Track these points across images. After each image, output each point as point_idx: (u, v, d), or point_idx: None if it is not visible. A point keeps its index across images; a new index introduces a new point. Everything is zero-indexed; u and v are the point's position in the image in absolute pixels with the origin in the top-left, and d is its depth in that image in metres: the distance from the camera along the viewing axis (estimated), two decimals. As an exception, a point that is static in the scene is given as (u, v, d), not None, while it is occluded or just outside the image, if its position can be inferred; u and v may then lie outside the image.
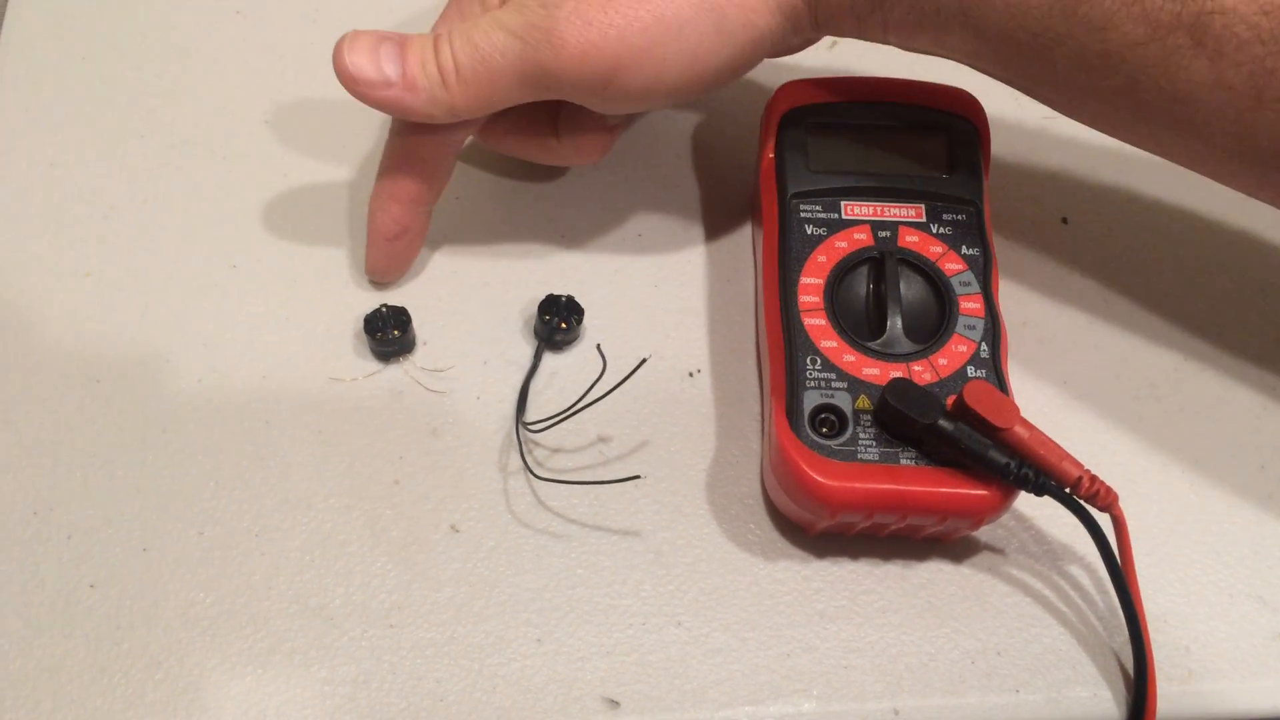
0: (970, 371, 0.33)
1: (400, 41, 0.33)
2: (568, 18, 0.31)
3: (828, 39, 0.45)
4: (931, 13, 0.32)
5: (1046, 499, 0.31)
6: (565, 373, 0.37)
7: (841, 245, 0.35)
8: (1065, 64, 0.31)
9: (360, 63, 0.32)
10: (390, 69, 0.32)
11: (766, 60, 0.44)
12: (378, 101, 0.33)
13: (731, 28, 0.32)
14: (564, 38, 0.31)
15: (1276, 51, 0.28)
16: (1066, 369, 0.38)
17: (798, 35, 0.34)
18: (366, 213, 0.37)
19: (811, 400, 0.32)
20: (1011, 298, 0.37)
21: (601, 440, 0.36)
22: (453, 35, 0.32)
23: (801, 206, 0.36)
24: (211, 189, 0.40)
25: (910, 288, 0.34)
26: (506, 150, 0.38)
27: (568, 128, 0.37)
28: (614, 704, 0.32)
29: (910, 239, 0.35)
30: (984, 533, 0.34)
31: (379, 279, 0.38)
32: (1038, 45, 0.31)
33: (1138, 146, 0.33)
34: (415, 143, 0.35)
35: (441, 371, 0.37)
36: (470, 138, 0.37)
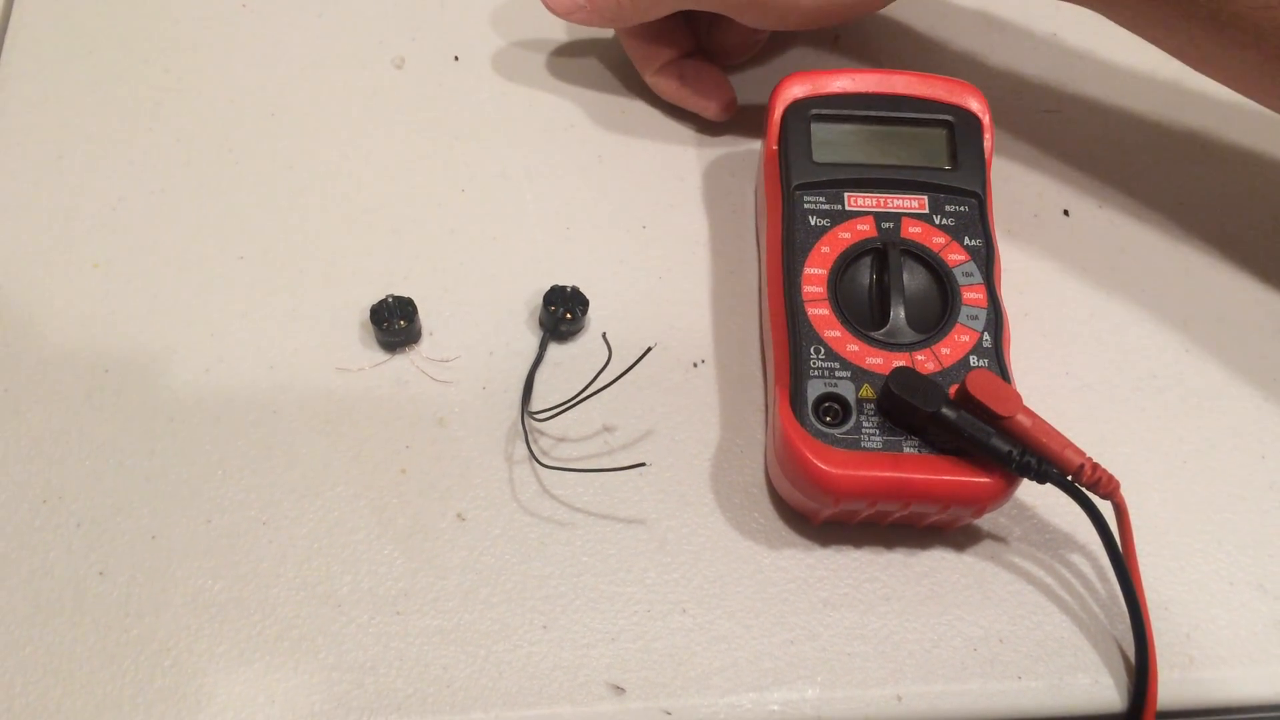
0: (973, 361, 0.33)
1: None
2: None
3: (829, 33, 0.45)
4: None
5: (1048, 487, 0.31)
6: (570, 363, 0.37)
7: (845, 236, 0.35)
8: (1200, 23, 0.34)
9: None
10: None
11: (770, 54, 0.45)
12: (580, 21, 0.40)
13: None
14: None
15: None
16: (1068, 359, 0.38)
17: None
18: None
19: (815, 389, 0.33)
20: (1013, 288, 0.38)
21: (606, 430, 0.36)
22: None
23: (805, 198, 0.36)
24: (218, 181, 0.41)
25: (913, 278, 0.35)
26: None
27: (718, 29, 0.42)
28: (619, 690, 0.32)
29: (913, 230, 0.35)
30: (986, 521, 0.35)
31: (718, 118, 0.42)
32: (1174, 4, 0.34)
33: (1265, 104, 0.36)
34: (630, 31, 0.41)
35: (447, 361, 0.37)
36: None
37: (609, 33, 0.45)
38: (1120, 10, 0.36)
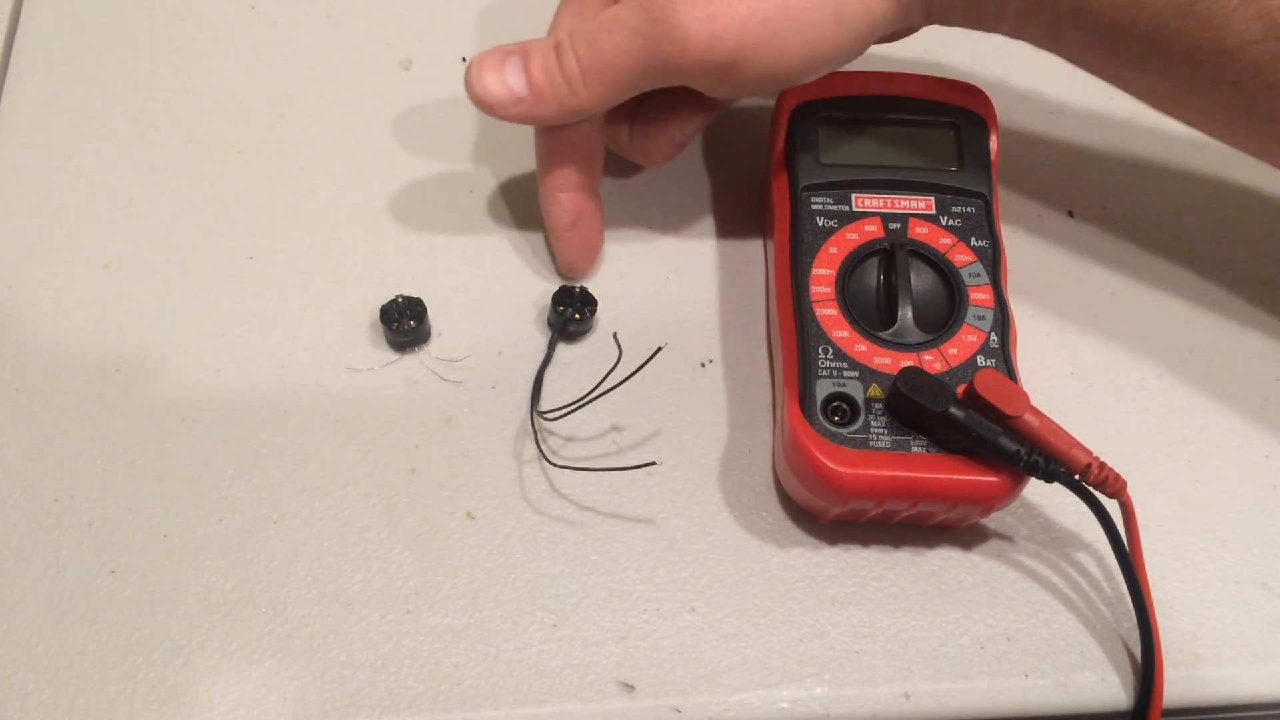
0: (980, 361, 0.33)
1: (523, 53, 0.34)
2: (690, 10, 0.31)
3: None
4: (1048, 5, 0.32)
5: (1054, 487, 0.32)
6: (578, 363, 0.37)
7: (852, 237, 0.35)
8: (1178, 60, 0.32)
9: (489, 85, 0.34)
10: (517, 84, 0.34)
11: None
12: (512, 117, 0.34)
13: (850, 16, 0.32)
14: (686, 31, 0.31)
15: None
16: (1073, 359, 0.38)
17: (905, 23, 0.35)
18: (539, 206, 0.38)
19: (824, 389, 0.33)
20: (1019, 289, 0.38)
21: (615, 429, 0.36)
22: (574, 39, 0.33)
23: (813, 199, 0.36)
24: (228, 182, 0.41)
25: (920, 279, 0.35)
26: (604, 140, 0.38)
27: (640, 131, 0.37)
28: (629, 688, 0.32)
29: (920, 231, 0.35)
30: (993, 520, 0.35)
31: (572, 273, 0.39)
32: (1152, 40, 0.31)
33: (1232, 144, 0.34)
34: (559, 137, 0.36)
35: (457, 361, 0.37)
36: None
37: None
38: (1081, 51, 0.34)
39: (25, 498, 0.34)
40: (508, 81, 0.34)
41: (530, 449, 0.36)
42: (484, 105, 0.34)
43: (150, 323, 0.37)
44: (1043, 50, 0.35)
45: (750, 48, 0.31)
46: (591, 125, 0.36)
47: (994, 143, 0.37)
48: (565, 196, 0.37)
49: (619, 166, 0.42)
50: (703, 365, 0.38)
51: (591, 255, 0.38)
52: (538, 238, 0.40)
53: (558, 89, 0.33)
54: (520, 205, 0.41)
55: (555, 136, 0.36)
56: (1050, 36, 0.34)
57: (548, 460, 0.35)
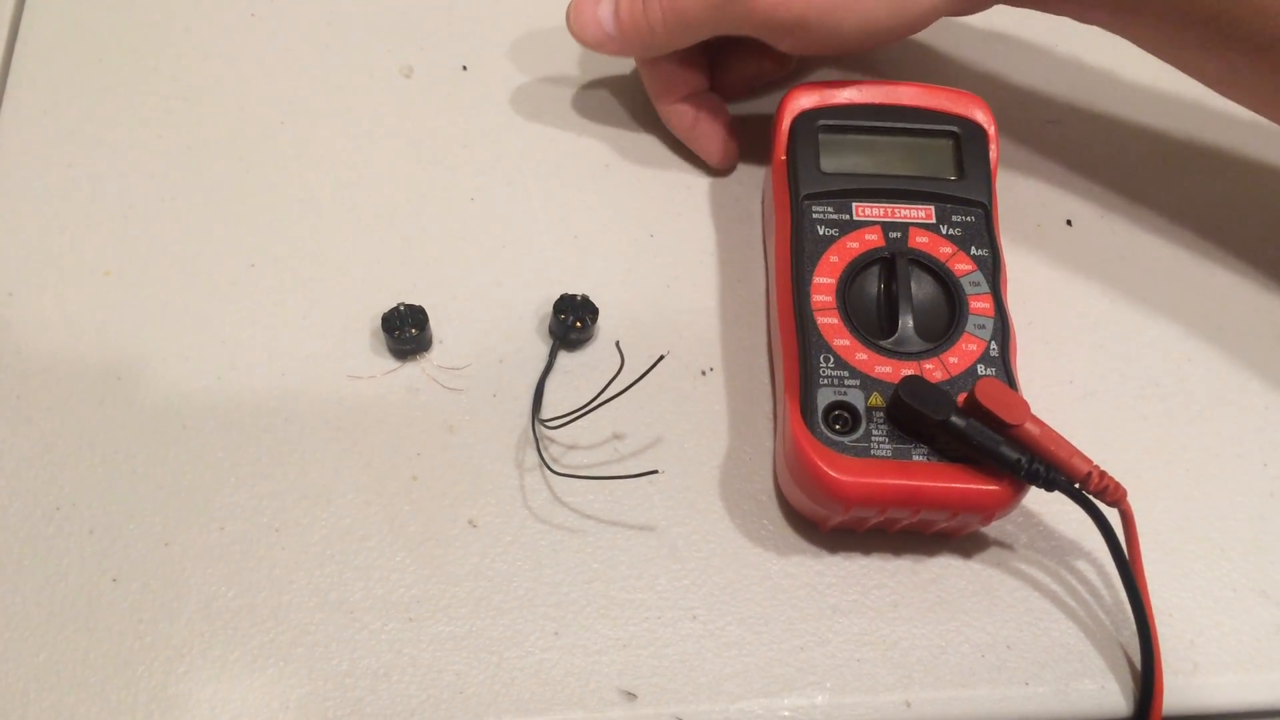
0: (980, 369, 0.33)
1: (614, 1, 0.38)
2: None
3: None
4: None
5: (1054, 495, 0.32)
6: (580, 371, 0.37)
7: (853, 246, 0.35)
8: (1240, 44, 0.34)
9: (585, 24, 0.39)
10: (608, 24, 0.38)
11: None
12: (604, 52, 0.39)
13: (910, 2, 0.35)
14: None
15: None
16: (1072, 368, 0.38)
17: (971, 6, 0.38)
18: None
19: (825, 397, 0.33)
20: (1018, 298, 0.38)
21: (616, 437, 0.36)
22: None
23: (813, 208, 0.36)
24: (229, 189, 0.41)
25: (921, 287, 0.35)
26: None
27: (721, 64, 0.42)
28: (631, 696, 0.32)
29: (920, 240, 0.36)
30: (993, 528, 0.35)
31: (718, 165, 0.42)
32: (1217, 24, 0.34)
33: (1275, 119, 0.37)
34: (654, 62, 0.40)
35: (458, 369, 0.37)
36: None
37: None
38: (1148, 34, 0.36)
39: (26, 505, 0.34)
40: (601, 19, 0.38)
41: (532, 457, 0.36)
42: (580, 41, 0.39)
43: (151, 330, 0.37)
44: (1095, 32, 0.37)
45: (813, 14, 0.35)
46: (679, 55, 0.39)
47: (994, 152, 0.38)
48: (676, 107, 0.41)
49: (620, 171, 0.42)
50: (704, 373, 0.38)
51: (722, 145, 0.41)
52: (538, 245, 0.40)
53: (640, 30, 0.37)
54: (522, 213, 0.41)
55: (652, 64, 0.40)
56: (1117, 19, 0.36)
57: (549, 468, 0.35)
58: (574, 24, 0.39)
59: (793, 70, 0.43)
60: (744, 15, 0.35)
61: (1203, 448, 0.37)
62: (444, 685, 0.32)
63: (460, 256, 0.40)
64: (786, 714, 0.32)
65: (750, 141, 0.43)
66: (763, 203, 0.41)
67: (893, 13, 0.35)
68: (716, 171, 0.42)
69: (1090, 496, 0.32)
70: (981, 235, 0.36)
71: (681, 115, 0.41)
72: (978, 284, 0.35)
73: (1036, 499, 0.35)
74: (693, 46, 0.39)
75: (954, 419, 0.31)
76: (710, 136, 0.41)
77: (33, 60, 0.43)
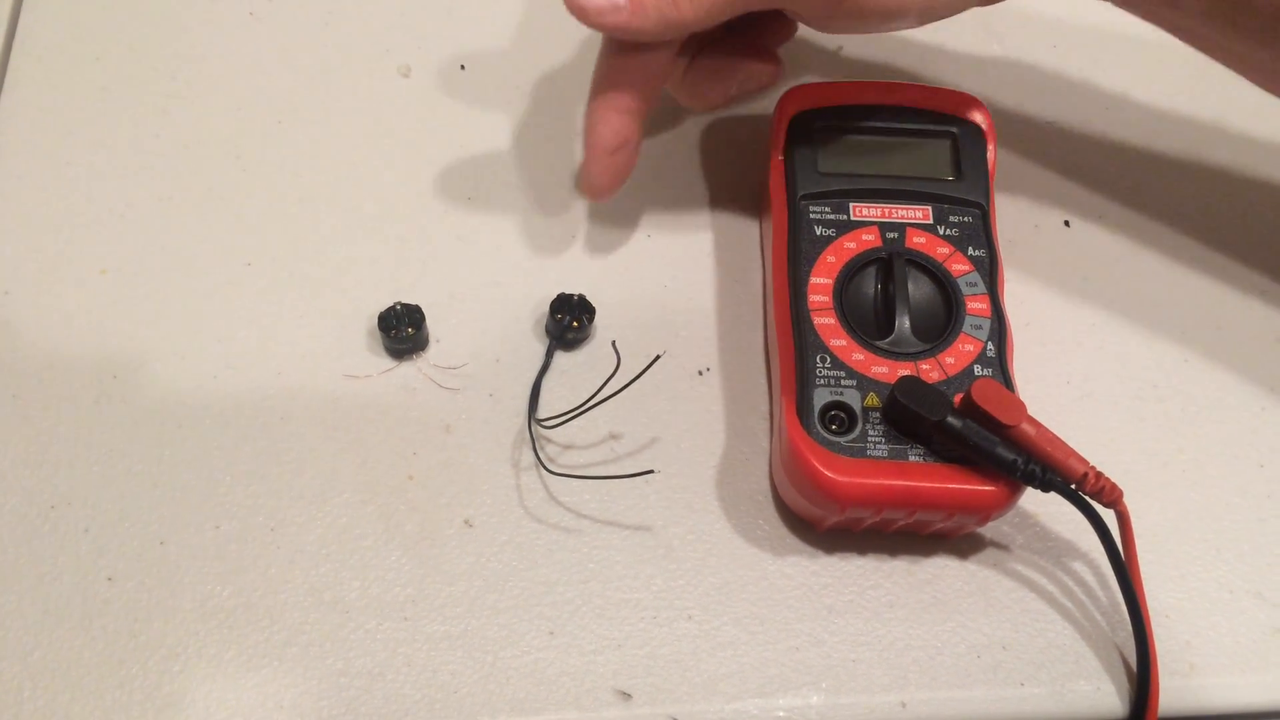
0: (977, 370, 0.33)
1: None
2: None
3: (835, 42, 0.46)
4: None
5: (1050, 496, 0.32)
6: (576, 371, 0.37)
7: (850, 246, 0.35)
8: None
9: None
10: None
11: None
12: (607, 26, 0.31)
13: None
14: None
15: None
16: (1069, 369, 0.38)
17: None
18: (584, 126, 0.35)
19: (821, 398, 0.33)
20: (1015, 299, 0.38)
21: (613, 437, 0.36)
22: None
23: (810, 208, 0.36)
24: (226, 188, 0.41)
25: (918, 288, 0.35)
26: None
27: (700, 69, 0.36)
28: (626, 696, 0.32)
29: (918, 240, 0.36)
30: (989, 529, 0.35)
31: (598, 196, 0.36)
32: (1275, 13, 0.31)
33: None
34: (631, 55, 0.34)
35: (454, 369, 0.37)
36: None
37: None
38: (1194, 22, 0.33)
39: (22, 504, 0.34)
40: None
41: (528, 457, 0.36)
42: (579, 11, 0.31)
43: (147, 329, 0.37)
44: (1151, 24, 0.34)
45: None
46: (669, 49, 0.34)
47: (991, 153, 0.38)
48: (617, 118, 0.34)
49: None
50: (700, 373, 0.38)
51: (620, 182, 0.36)
52: (536, 245, 0.40)
53: (659, 2, 0.31)
54: (519, 212, 0.41)
55: (627, 54, 0.34)
56: (1168, 5, 0.33)
57: (545, 468, 0.35)
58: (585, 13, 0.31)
59: (781, 79, 0.40)
60: None
61: (1199, 449, 0.37)
62: (439, 685, 0.32)
63: (457, 256, 0.40)
64: (782, 714, 0.32)
65: (748, 141, 0.43)
66: (760, 202, 0.41)
67: None
68: (586, 194, 0.37)
69: (1086, 497, 0.32)
70: (979, 236, 0.36)
71: (613, 131, 0.34)
72: (975, 284, 0.35)
73: (1033, 500, 0.35)
74: (671, 46, 0.34)
75: (950, 419, 0.31)
76: (617, 169, 0.35)
77: (30, 58, 0.43)
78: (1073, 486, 0.32)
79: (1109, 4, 0.35)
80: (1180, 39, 0.34)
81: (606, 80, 0.34)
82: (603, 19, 0.31)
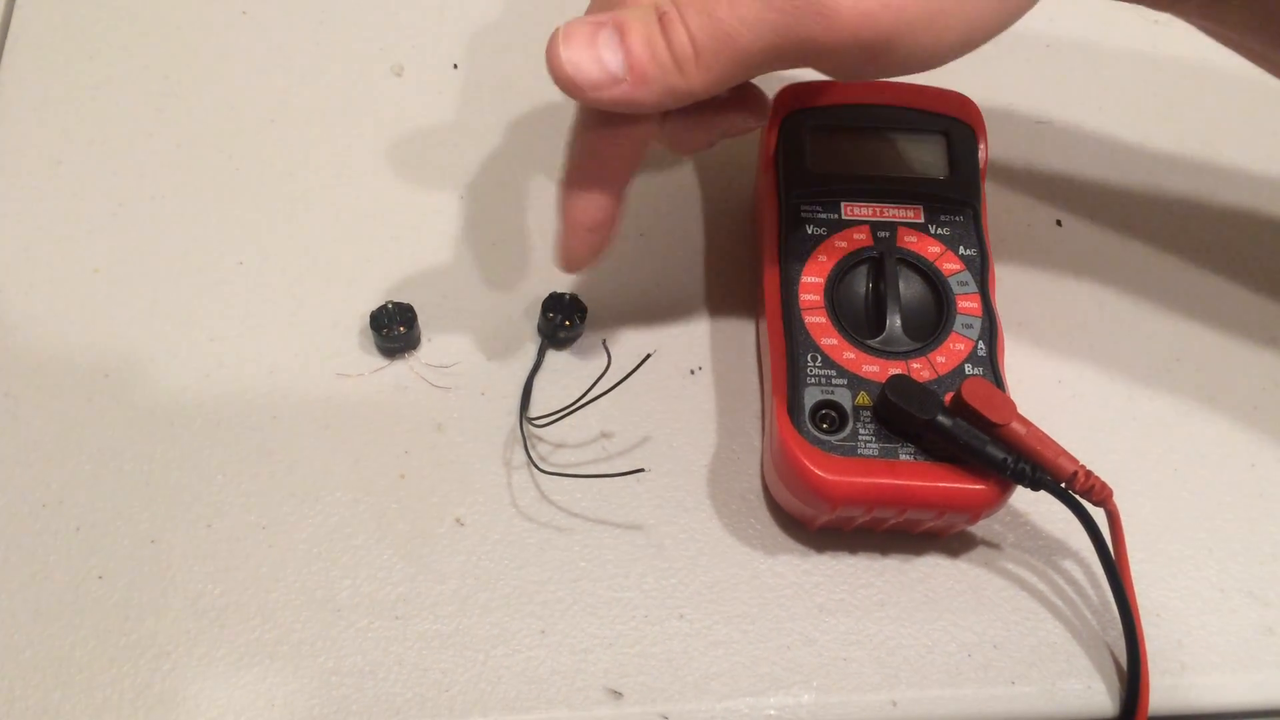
0: (968, 369, 0.33)
1: (618, 25, 0.28)
2: None
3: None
4: None
5: (1042, 495, 0.32)
6: (568, 369, 0.37)
7: (841, 245, 0.35)
8: None
9: (579, 60, 0.28)
10: (613, 62, 0.28)
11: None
12: (603, 102, 0.28)
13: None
14: (836, 8, 0.26)
15: None
16: (1061, 368, 0.38)
17: None
18: (561, 200, 0.32)
19: (812, 396, 0.33)
20: (1007, 298, 0.38)
21: (604, 436, 0.36)
22: (683, 7, 0.27)
23: (802, 207, 0.36)
24: (218, 187, 0.41)
25: (909, 287, 0.35)
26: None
27: (682, 118, 0.32)
28: (617, 695, 0.32)
29: (909, 239, 0.36)
30: (980, 528, 0.35)
31: (573, 269, 0.34)
32: None
33: None
34: (619, 128, 0.31)
35: (446, 368, 0.37)
36: None
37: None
38: (1244, 30, 0.32)
39: (13, 502, 0.34)
40: (603, 58, 0.28)
41: (519, 455, 0.36)
42: (571, 86, 0.28)
43: (139, 327, 0.37)
44: (1203, 33, 0.34)
45: (906, 27, 0.27)
46: (653, 120, 0.31)
47: (983, 152, 0.38)
48: (596, 197, 0.32)
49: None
50: (692, 372, 0.38)
51: (599, 255, 0.33)
52: (528, 245, 0.40)
53: (664, 69, 0.28)
54: (511, 212, 0.41)
55: (613, 126, 0.30)
56: (1214, 10, 0.32)
57: (537, 467, 0.35)
58: (561, 63, 0.28)
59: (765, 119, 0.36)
60: (820, 39, 0.27)
61: (1190, 448, 0.37)
62: (430, 683, 0.32)
63: (449, 254, 0.40)
64: (773, 713, 0.32)
65: (739, 140, 0.43)
66: (752, 202, 0.41)
67: (995, 13, 0.28)
68: (564, 268, 0.34)
69: (1076, 496, 0.32)
70: (970, 235, 0.36)
71: (593, 209, 0.32)
72: (966, 284, 0.35)
73: (1024, 499, 0.35)
74: (654, 119, 0.31)
75: (940, 418, 0.31)
76: (596, 245, 0.33)
77: (23, 57, 0.43)
78: (1063, 485, 0.32)
79: (1131, 4, 0.34)
80: (1233, 49, 0.34)
81: (587, 155, 0.32)
82: (600, 94, 0.28)
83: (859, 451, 0.32)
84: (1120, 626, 0.33)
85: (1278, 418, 0.38)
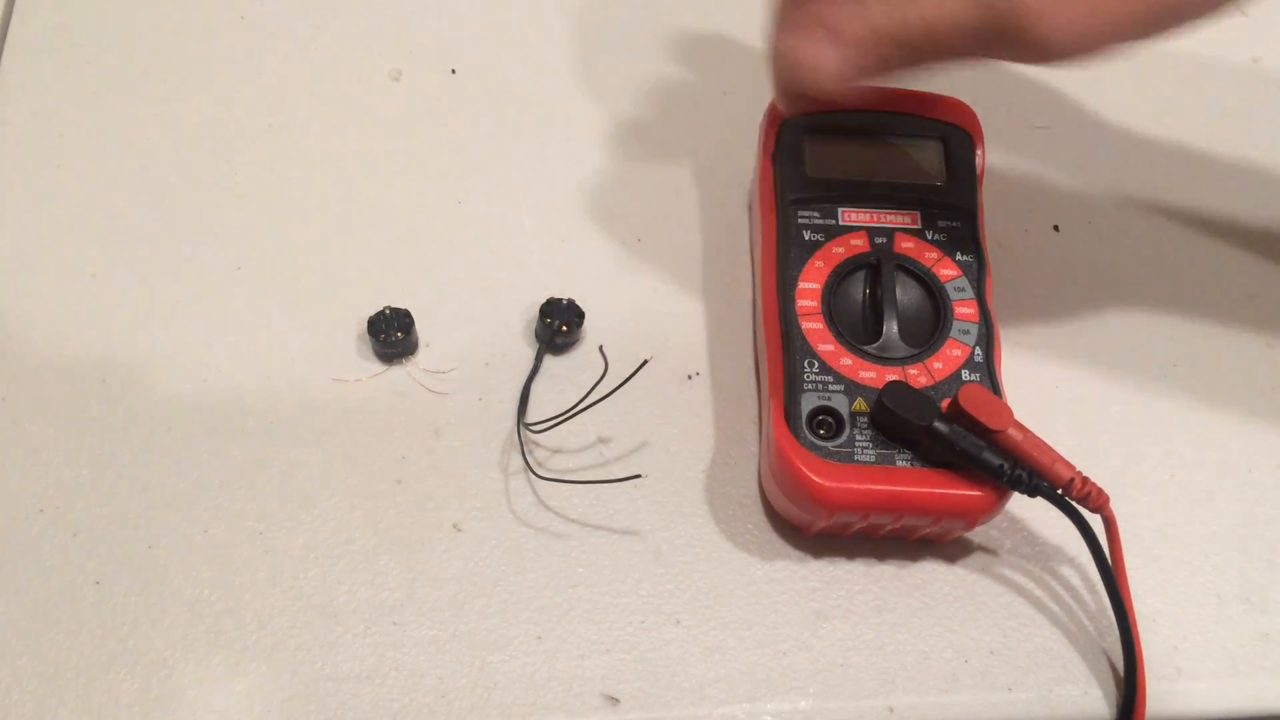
0: (964, 375, 0.33)
1: (828, 24, 0.29)
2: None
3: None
4: None
5: (1038, 500, 0.32)
6: (565, 375, 0.37)
7: (838, 251, 0.36)
8: None
9: (819, 69, 0.30)
10: (832, 62, 0.29)
11: (762, 70, 0.45)
12: (843, 93, 0.30)
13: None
14: (1051, 35, 0.27)
15: None
16: (1057, 374, 0.38)
17: None
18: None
19: (809, 402, 0.33)
20: (1004, 303, 0.38)
21: (601, 441, 0.36)
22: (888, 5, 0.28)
23: (799, 212, 0.36)
24: (215, 192, 0.41)
25: (906, 293, 0.35)
26: None
27: None
28: (614, 701, 0.32)
29: (906, 245, 0.36)
30: (977, 534, 0.35)
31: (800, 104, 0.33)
32: None
33: None
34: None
35: (444, 373, 0.37)
36: None
37: (604, 45, 0.45)
38: None
39: (10, 507, 0.34)
40: (822, 57, 0.29)
41: (517, 461, 0.36)
42: (812, 86, 0.30)
43: (137, 333, 0.37)
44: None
45: (1109, 40, 0.27)
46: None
47: (980, 158, 0.38)
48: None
49: (607, 176, 0.42)
50: (689, 378, 0.38)
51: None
52: (526, 249, 0.40)
53: (866, 57, 0.29)
54: (508, 216, 0.41)
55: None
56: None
57: (534, 472, 0.35)
58: (799, 71, 0.30)
59: None
60: (1017, 39, 0.27)
61: (1187, 454, 0.37)
62: (427, 689, 0.32)
63: (447, 260, 0.40)
64: (770, 719, 0.32)
65: (738, 145, 0.43)
66: (749, 207, 0.41)
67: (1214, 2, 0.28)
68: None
69: (1073, 502, 0.32)
70: (967, 241, 0.36)
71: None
72: (962, 289, 0.35)
73: (1021, 505, 0.35)
74: None
75: (937, 424, 0.31)
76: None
77: (21, 62, 0.43)
78: (1059, 491, 0.32)
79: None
80: None
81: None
82: (839, 88, 0.30)
83: (856, 458, 0.32)
84: (1117, 633, 0.33)
85: (1274, 423, 0.38)
